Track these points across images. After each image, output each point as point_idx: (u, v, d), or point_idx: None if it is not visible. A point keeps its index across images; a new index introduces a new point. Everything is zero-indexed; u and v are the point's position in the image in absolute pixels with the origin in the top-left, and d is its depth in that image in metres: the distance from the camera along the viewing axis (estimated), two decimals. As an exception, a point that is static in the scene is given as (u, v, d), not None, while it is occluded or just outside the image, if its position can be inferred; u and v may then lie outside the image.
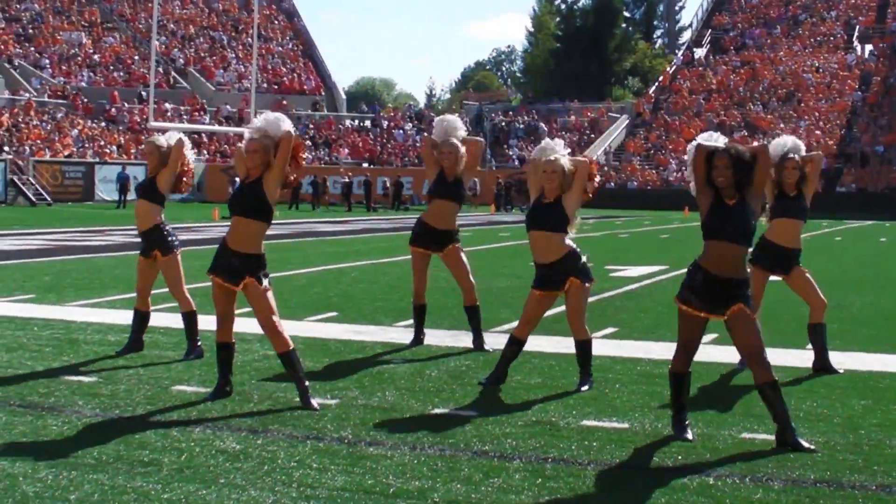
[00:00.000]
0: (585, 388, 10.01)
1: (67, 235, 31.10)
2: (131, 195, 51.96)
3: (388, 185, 66.91)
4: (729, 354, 11.48)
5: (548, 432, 8.41)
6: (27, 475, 7.01)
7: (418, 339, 12.52)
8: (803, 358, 11.71)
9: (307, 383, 9.26)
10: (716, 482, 7.21)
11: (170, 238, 11.37)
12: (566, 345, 11.87)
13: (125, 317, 13.93)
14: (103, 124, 69.75)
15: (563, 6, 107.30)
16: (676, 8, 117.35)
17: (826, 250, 31.04)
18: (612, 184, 72.44)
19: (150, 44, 45.57)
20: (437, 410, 9.08)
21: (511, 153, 76.55)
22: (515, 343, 10.21)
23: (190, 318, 11.41)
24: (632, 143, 78.52)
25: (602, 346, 12.38)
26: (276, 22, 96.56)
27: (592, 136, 78.99)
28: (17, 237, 30.04)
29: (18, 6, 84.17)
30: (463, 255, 12.25)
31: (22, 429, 8.22)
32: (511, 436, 8.29)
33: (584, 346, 10.22)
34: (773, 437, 8.19)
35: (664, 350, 11.99)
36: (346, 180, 62.99)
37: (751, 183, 8.10)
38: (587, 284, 10.03)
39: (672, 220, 50.22)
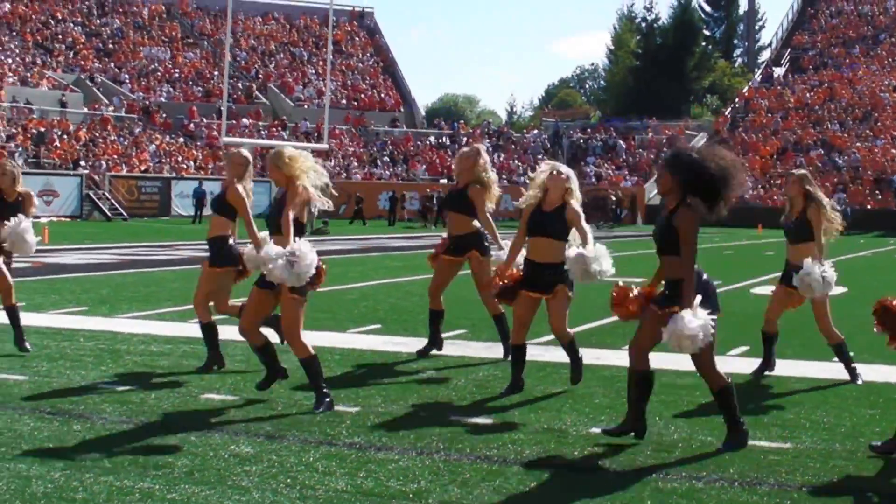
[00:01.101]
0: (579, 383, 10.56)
1: (136, 250, 31.63)
2: (207, 210, 52.53)
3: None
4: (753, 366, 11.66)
5: (555, 439, 8.60)
6: (41, 476, 7.29)
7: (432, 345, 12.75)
8: (825, 370, 11.86)
9: (325, 390, 9.53)
10: (704, 486, 7.40)
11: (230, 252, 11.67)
12: (595, 356, 12.09)
13: (172, 328, 14.33)
14: (181, 140, 70.65)
15: (643, 24, 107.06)
16: (757, 27, 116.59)
17: (881, 266, 31.11)
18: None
19: (224, 58, 46.10)
20: (454, 418, 9.27)
21: (588, 170, 76.46)
22: (517, 350, 10.51)
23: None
24: (708, 161, 78.08)
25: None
26: (358, 39, 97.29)
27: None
28: (86, 252, 30.55)
29: (99, 21, 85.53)
30: (487, 266, 12.44)
31: (47, 434, 8.50)
32: (518, 442, 8.48)
33: (572, 345, 10.60)
34: (773, 445, 8.35)
35: (691, 362, 12.09)
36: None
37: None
38: (570, 293, 10.30)
39: (742, 236, 49.81)
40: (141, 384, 10.58)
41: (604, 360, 12.34)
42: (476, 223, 12.35)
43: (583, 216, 10.37)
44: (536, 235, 10.34)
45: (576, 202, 10.39)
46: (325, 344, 12.91)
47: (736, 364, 12.34)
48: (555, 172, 10.35)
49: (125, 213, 56.56)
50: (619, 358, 12.24)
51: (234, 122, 72.65)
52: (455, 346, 13.27)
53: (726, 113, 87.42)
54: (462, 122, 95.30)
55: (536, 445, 8.36)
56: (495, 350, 12.97)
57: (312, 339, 12.33)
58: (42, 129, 62.07)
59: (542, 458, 8.03)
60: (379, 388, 10.54)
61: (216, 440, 8.39)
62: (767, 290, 21.24)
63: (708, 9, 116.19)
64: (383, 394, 10.26)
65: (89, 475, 7.34)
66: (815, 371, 11.92)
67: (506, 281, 10.45)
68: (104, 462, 7.70)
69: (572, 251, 10.16)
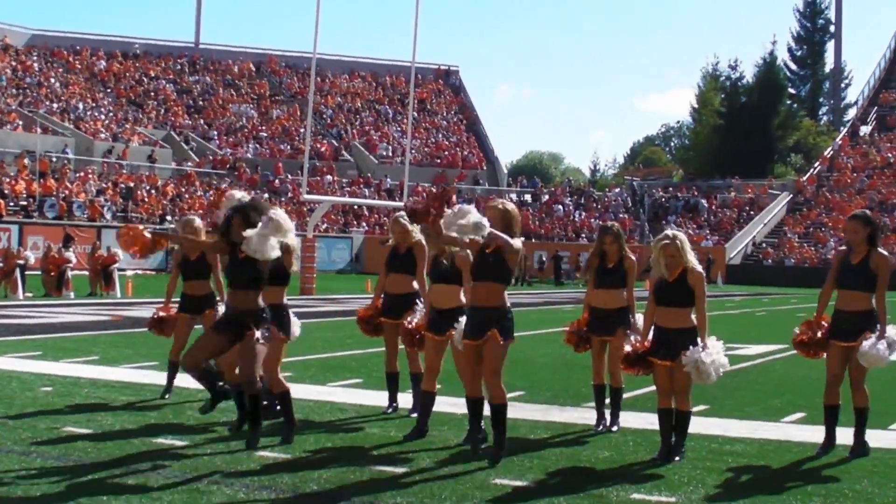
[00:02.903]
0: (677, 458, 10.48)
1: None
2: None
3: (544, 259, 67.38)
4: (810, 433, 11.69)
5: (592, 504, 8.74)
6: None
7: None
8: (878, 438, 11.81)
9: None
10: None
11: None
12: (648, 420, 12.18)
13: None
14: (266, 195, 71.65)
15: (727, 83, 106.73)
16: (843, 85, 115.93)
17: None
18: (770, 261, 72.00)
19: (308, 115, 46.80)
20: (498, 481, 9.41)
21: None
22: (661, 412, 10.76)
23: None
24: (791, 219, 77.87)
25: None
26: (443, 96, 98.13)
27: (752, 212, 78.55)
28: (167, 305, 31.06)
29: (190, 79, 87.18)
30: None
31: (103, 487, 8.84)
32: (555, 507, 8.65)
33: (685, 418, 10.70)
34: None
35: (743, 428, 12.26)
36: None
37: None
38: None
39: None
40: (199, 441, 10.88)
41: (656, 425, 12.38)
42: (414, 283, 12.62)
43: (702, 284, 10.58)
44: (663, 305, 10.59)
45: (695, 265, 10.60)
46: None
47: (790, 431, 12.36)
48: (661, 251, 10.55)
49: (209, 267, 57.32)
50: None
51: (319, 178, 73.50)
52: (510, 410, 13.40)
53: (810, 172, 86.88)
54: (539, 179, 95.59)
55: (572, 510, 8.53)
56: (551, 413, 13.17)
57: (376, 399, 12.70)
58: (131, 184, 63.27)
59: (575, 522, 8.20)
60: (428, 449, 10.73)
61: (263, 497, 8.66)
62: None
63: (793, 67, 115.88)
64: (432, 455, 10.44)
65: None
66: (870, 439, 11.84)
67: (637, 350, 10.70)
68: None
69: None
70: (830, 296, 11.23)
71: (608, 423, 12.10)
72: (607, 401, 12.22)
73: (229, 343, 10.55)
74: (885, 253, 11.16)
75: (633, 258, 12.26)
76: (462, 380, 11.09)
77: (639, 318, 11.69)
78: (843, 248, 11.42)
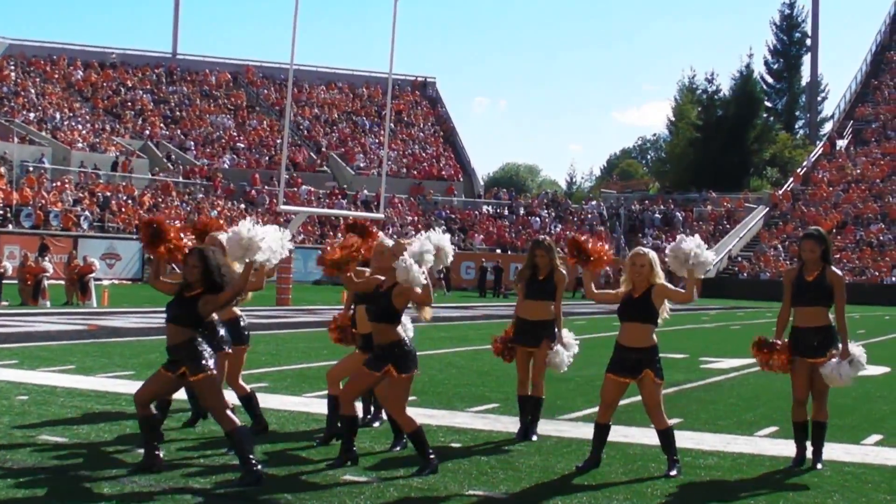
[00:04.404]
0: (674, 472, 10.45)
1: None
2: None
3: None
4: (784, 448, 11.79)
5: (565, 516, 8.80)
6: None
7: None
8: (849, 452, 11.94)
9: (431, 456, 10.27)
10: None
11: None
12: (621, 434, 12.25)
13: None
14: (242, 206, 71.53)
15: (703, 96, 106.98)
16: (819, 98, 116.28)
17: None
18: (745, 274, 72.29)
19: (284, 126, 46.80)
20: (471, 492, 9.46)
21: (646, 242, 76.48)
22: (600, 428, 10.74)
23: None
24: (767, 233, 78.19)
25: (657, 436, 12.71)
26: (420, 108, 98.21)
27: (728, 226, 78.92)
28: (143, 315, 31.09)
29: (167, 89, 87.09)
30: None
31: (77, 495, 8.88)
32: (528, 518, 8.70)
33: (666, 434, 10.68)
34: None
35: (717, 442, 12.34)
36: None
37: None
38: (658, 381, 10.51)
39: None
40: (174, 451, 10.88)
41: (630, 437, 12.49)
42: None
43: (668, 286, 10.67)
44: (625, 321, 10.64)
45: (662, 280, 10.63)
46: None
47: (763, 445, 12.47)
48: (633, 262, 10.62)
49: (185, 277, 57.28)
50: (646, 436, 12.44)
51: (295, 189, 73.48)
52: (485, 421, 13.53)
53: (785, 187, 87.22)
54: (509, 190, 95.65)
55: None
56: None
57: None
58: (108, 194, 63.16)
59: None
60: (401, 460, 10.75)
61: (230, 508, 8.72)
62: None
63: (770, 80, 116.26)
64: (406, 466, 10.47)
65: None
66: (840, 454, 11.93)
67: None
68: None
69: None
70: (789, 315, 11.33)
71: (528, 434, 12.29)
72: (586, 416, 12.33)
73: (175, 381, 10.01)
74: (839, 271, 11.35)
75: (564, 272, 12.49)
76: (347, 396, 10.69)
77: (565, 333, 12.28)
78: (792, 266, 11.64)
